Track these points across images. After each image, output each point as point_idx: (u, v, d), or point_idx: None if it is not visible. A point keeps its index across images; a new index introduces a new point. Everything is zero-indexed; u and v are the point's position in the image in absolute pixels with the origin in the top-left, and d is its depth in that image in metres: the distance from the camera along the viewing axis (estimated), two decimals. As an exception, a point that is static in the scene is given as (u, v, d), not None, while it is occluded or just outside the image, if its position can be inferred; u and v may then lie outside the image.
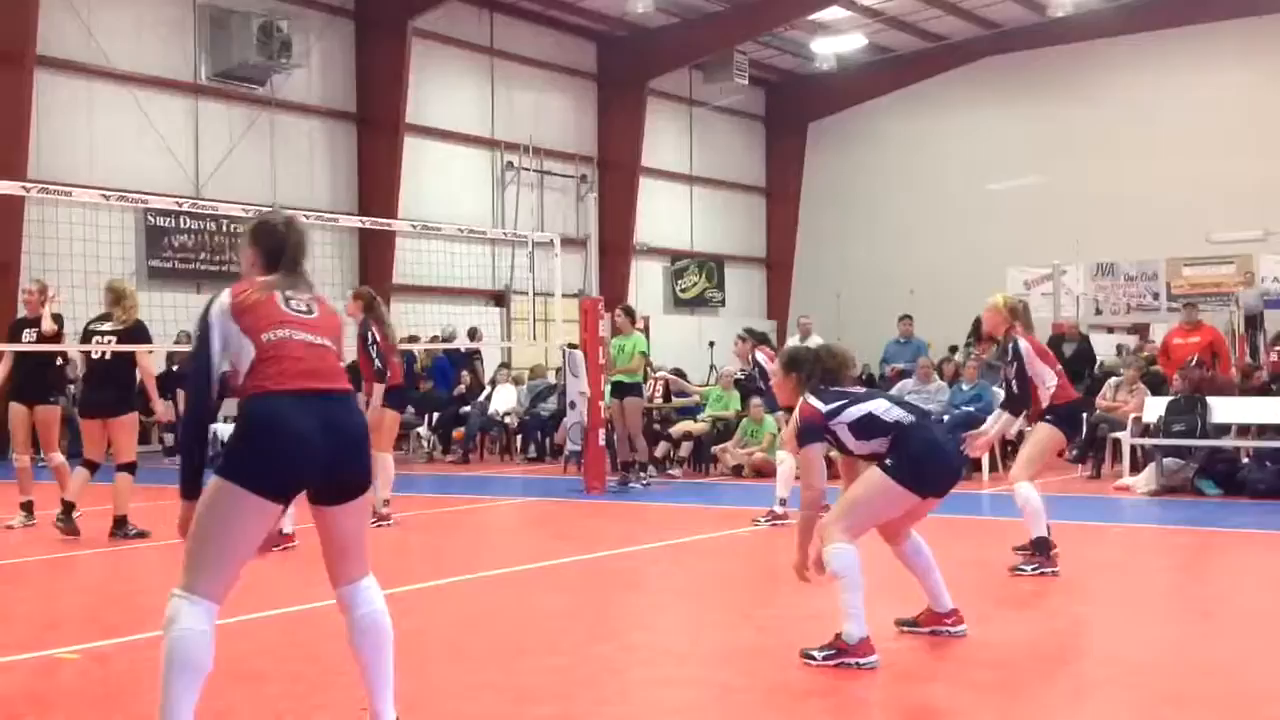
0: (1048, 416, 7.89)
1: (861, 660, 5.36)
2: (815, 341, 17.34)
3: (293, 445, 3.85)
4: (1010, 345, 7.91)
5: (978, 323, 17.24)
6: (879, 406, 5.59)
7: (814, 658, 5.44)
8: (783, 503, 10.02)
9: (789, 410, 6.06)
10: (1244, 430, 12.98)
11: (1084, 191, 25.58)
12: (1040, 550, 7.65)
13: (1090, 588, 7.69)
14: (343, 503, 4.04)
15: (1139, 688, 5.19)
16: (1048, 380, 7.86)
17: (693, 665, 5.75)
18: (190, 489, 3.92)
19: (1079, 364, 15.61)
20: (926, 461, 5.56)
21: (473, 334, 20.28)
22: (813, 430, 5.56)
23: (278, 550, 8.49)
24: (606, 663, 5.75)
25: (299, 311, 4.07)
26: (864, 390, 5.88)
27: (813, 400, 5.59)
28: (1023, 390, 7.90)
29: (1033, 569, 7.59)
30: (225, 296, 4.04)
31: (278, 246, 4.24)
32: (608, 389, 13.44)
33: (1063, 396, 7.92)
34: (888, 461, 5.51)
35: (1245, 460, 12.39)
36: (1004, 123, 27.25)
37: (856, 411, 5.55)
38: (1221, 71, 24.88)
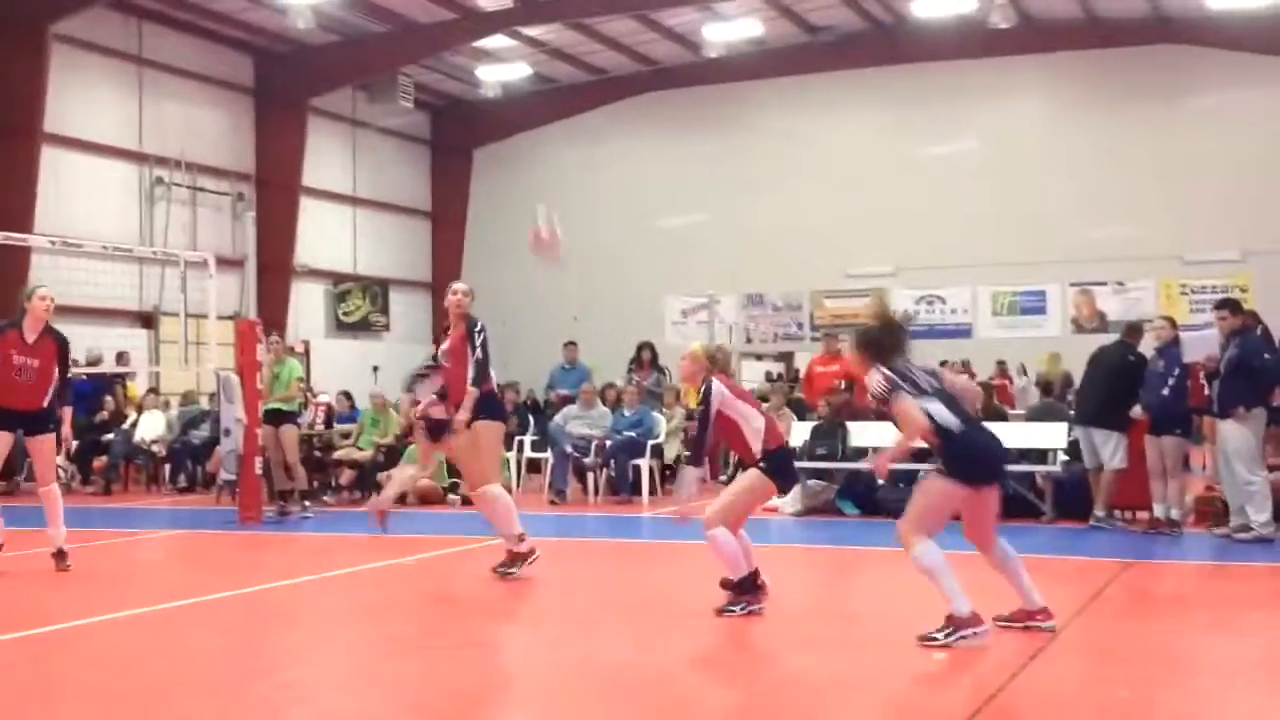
0: (761, 464, 7.34)
1: (976, 630, 6.17)
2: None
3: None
4: (704, 387, 7.46)
5: (640, 349, 17.79)
6: (936, 409, 6.33)
7: (936, 639, 6.15)
8: (521, 538, 8.91)
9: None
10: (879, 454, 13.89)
11: (737, 225, 26.78)
12: (744, 589, 7.33)
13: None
14: None
15: (803, 701, 5.44)
16: (753, 420, 7.37)
17: (355, 701, 5.63)
18: None
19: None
20: (975, 459, 6.37)
21: (120, 357, 19.16)
22: (893, 387, 6.31)
23: None
24: (262, 703, 5.53)
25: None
26: (927, 381, 6.52)
27: (886, 372, 6.37)
28: (701, 437, 7.54)
29: (740, 608, 7.27)
30: None
31: None
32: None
33: (773, 441, 7.43)
34: (940, 465, 6.38)
35: (881, 482, 13.25)
36: (663, 156, 28.19)
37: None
38: (862, 113, 26.63)
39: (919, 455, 7.30)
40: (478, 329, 8.87)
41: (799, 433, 13.79)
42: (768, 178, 26.87)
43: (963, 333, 24.46)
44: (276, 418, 13.09)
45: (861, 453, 13.63)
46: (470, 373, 8.68)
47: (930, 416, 6.25)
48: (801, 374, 18.70)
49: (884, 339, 6.55)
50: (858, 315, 24.25)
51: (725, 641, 6.95)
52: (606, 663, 6.15)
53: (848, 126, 26.69)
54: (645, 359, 17.52)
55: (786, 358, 24.75)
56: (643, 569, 10.09)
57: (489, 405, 8.81)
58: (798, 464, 13.18)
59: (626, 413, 14.92)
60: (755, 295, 26.17)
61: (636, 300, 25.85)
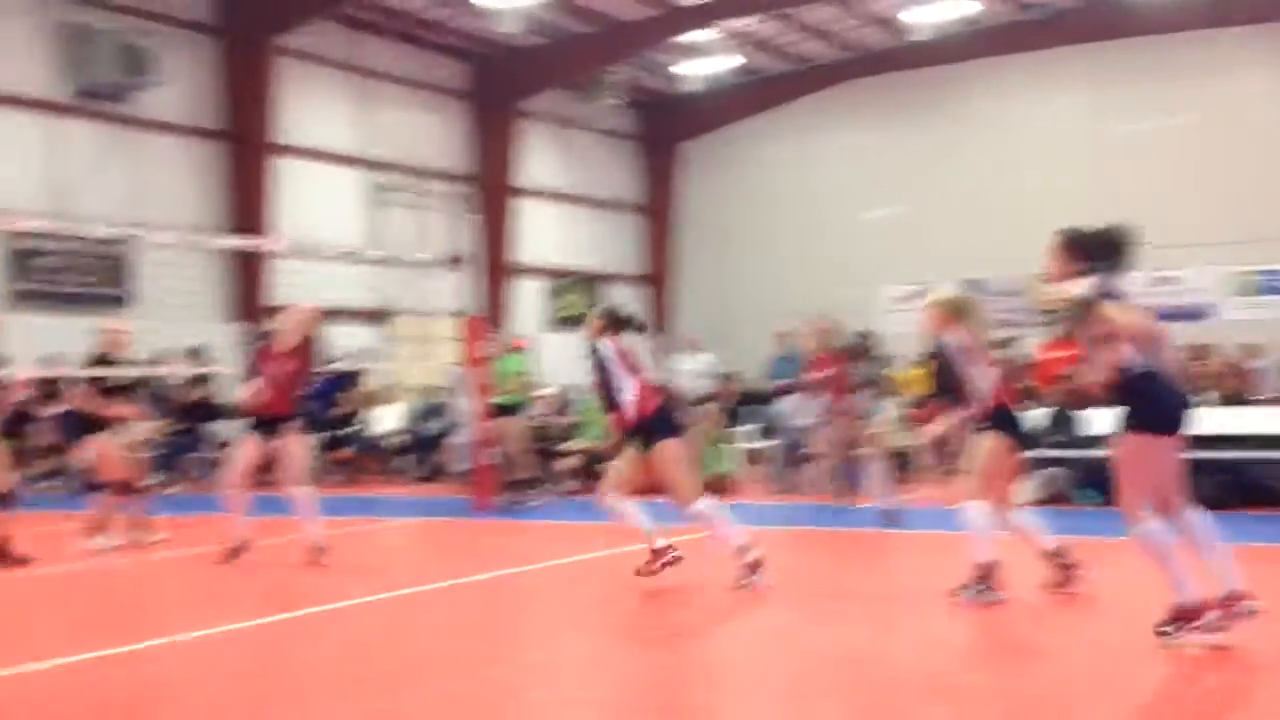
0: (989, 422, 7.27)
1: (1205, 618, 5.61)
2: (705, 358, 17.53)
3: None
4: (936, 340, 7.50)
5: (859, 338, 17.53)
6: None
7: (1167, 632, 5.65)
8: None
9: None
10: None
11: (952, 210, 26.20)
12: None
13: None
14: None
15: (1019, 690, 5.28)
16: (978, 379, 7.32)
17: (594, 686, 5.71)
18: None
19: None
20: (1160, 404, 5.71)
21: (360, 355, 20.00)
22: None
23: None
24: (505, 685, 5.66)
25: None
26: None
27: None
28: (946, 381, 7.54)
29: (977, 592, 7.09)
30: None
31: None
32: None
33: (997, 398, 7.33)
34: (1129, 421, 5.68)
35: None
36: (869, 144, 27.79)
37: None
38: (1077, 90, 25.70)
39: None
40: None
41: (1030, 420, 13.39)
42: (981, 161, 26.20)
43: (1200, 314, 23.45)
44: (500, 411, 13.50)
45: (1091, 441, 13.16)
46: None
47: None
48: (1027, 360, 18.12)
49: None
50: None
51: (962, 629, 6.80)
52: (847, 652, 6.09)
53: (1064, 105, 25.82)
54: (863, 347, 17.26)
55: (1008, 343, 24.03)
56: (869, 557, 9.96)
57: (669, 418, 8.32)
58: (1032, 454, 12.95)
59: (846, 402, 14.71)
60: (976, 281, 25.52)
61: (851, 289, 25.55)
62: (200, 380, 18.42)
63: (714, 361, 17.69)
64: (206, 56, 21.77)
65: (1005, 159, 25.86)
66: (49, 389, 17.29)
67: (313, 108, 23.28)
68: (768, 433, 15.25)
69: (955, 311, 7.53)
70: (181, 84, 21.01)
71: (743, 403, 17.18)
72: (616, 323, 8.24)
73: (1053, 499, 12.66)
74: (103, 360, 10.55)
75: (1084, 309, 5.70)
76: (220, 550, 9.18)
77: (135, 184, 20.42)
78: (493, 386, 13.40)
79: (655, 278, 30.93)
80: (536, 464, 14.19)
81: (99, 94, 20.00)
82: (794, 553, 10.45)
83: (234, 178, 21.87)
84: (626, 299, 30.29)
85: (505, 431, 13.52)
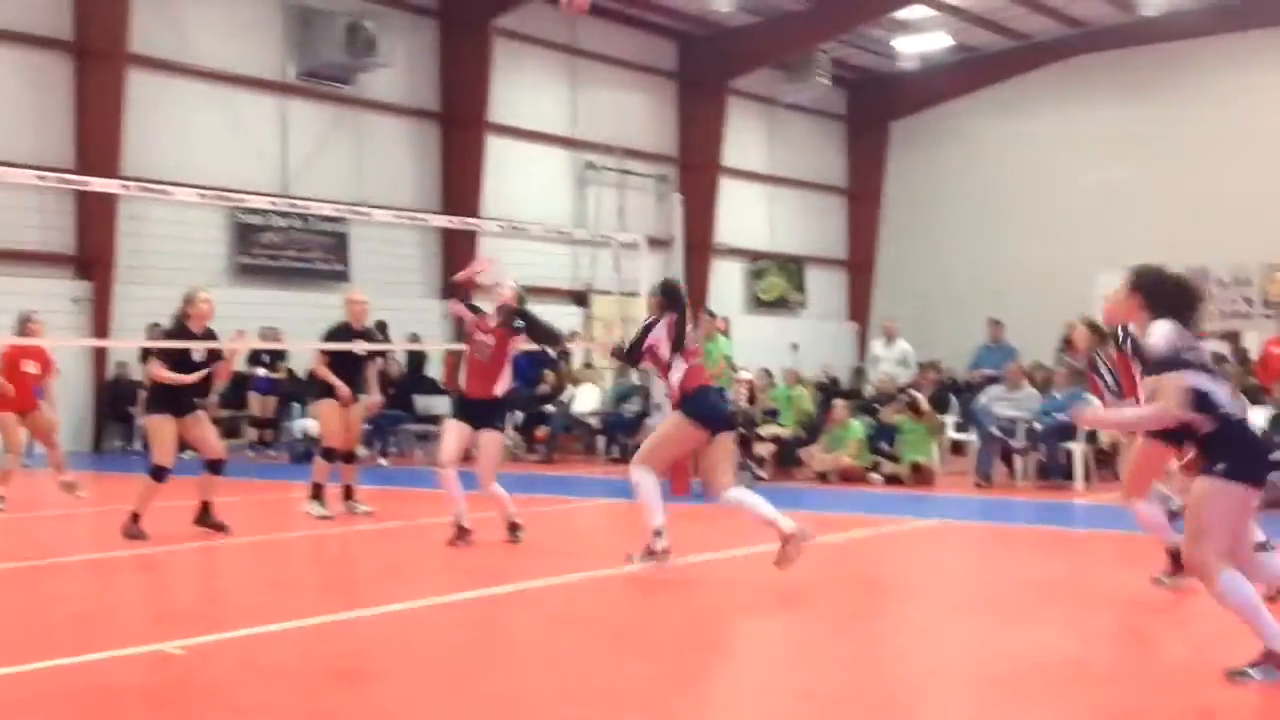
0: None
1: None
2: (901, 346, 17.19)
3: None
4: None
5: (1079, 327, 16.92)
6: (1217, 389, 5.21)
7: (1247, 673, 5.13)
8: (658, 533, 8.31)
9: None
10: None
11: (1175, 194, 25.07)
12: None
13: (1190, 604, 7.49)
14: None
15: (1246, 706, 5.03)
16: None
17: (791, 676, 5.67)
18: None
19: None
20: (1255, 451, 5.27)
21: (570, 336, 20.28)
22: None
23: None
24: (702, 669, 5.69)
25: None
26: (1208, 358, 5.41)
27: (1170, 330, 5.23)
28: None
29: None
30: None
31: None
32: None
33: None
34: (1219, 466, 5.14)
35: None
36: (1092, 123, 26.77)
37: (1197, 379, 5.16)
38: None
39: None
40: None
41: (1254, 419, 12.70)
42: (1208, 142, 24.95)
43: None
44: None
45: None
46: None
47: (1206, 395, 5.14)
48: (1254, 355, 17.26)
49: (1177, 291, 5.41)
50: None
51: (1170, 638, 6.50)
52: (1047, 656, 5.89)
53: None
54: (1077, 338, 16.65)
55: (1232, 337, 22.89)
56: (1077, 558, 9.60)
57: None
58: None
59: (1057, 394, 14.27)
60: (1197, 269, 24.35)
61: (1064, 276, 24.65)
62: (414, 357, 19.00)
63: (909, 350, 17.33)
64: (426, 38, 22.43)
65: (1238, 140, 24.57)
66: (267, 359, 18.10)
67: (525, 88, 23.73)
68: (965, 425, 14.87)
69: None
70: (402, 65, 21.70)
71: (944, 392, 16.79)
72: (674, 300, 8.19)
73: (1273, 504, 11.96)
74: (346, 330, 10.81)
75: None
76: (449, 532, 9.27)
77: (356, 163, 21.21)
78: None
79: (856, 262, 30.52)
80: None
81: (324, 75, 20.82)
82: (1001, 549, 10.17)
83: (448, 157, 22.49)
84: (827, 282, 30.02)
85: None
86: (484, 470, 9.19)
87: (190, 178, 17.26)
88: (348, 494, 10.93)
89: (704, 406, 7.99)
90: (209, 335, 9.80)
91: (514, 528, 9.33)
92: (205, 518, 9.71)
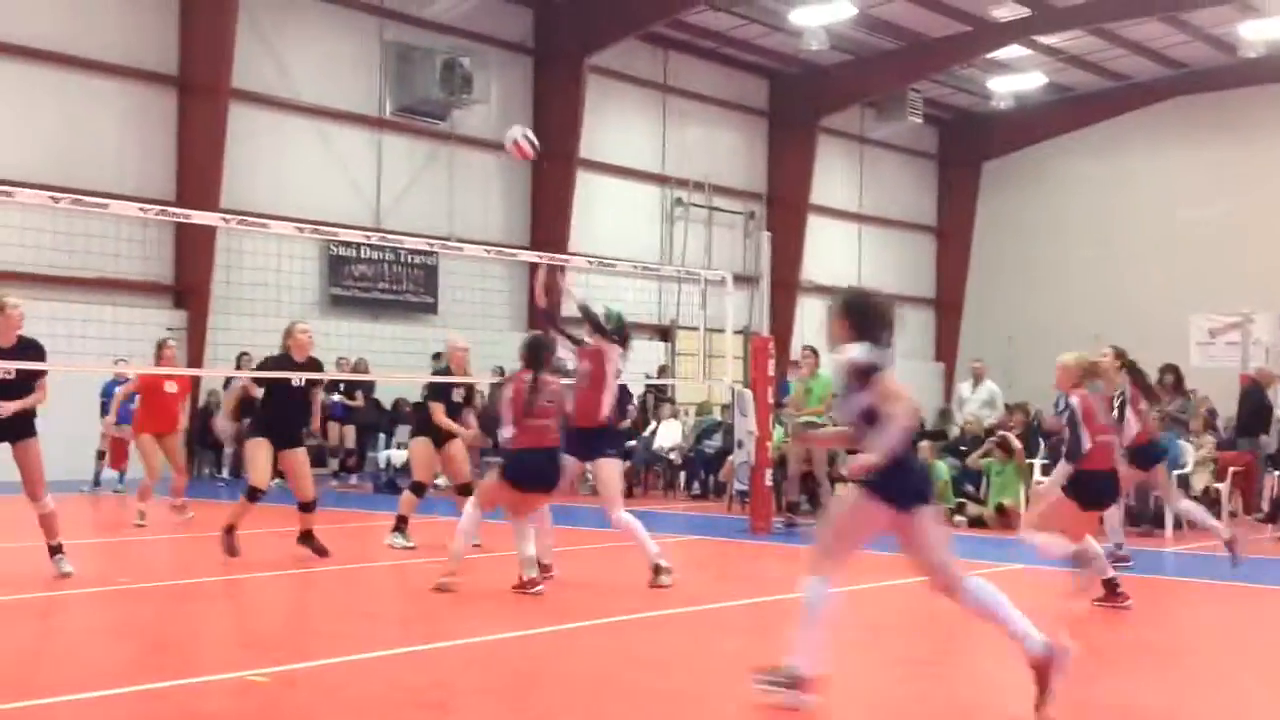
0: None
1: None
2: (988, 388, 16.96)
3: None
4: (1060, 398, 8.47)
5: (1163, 371, 16.61)
6: None
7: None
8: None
9: None
10: None
11: (1272, 236, 24.54)
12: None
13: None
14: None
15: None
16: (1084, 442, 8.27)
17: (855, 715, 5.62)
18: None
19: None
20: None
21: (660, 371, 20.33)
22: None
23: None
24: (780, 714, 5.65)
25: None
26: None
27: None
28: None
29: None
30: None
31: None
32: (779, 429, 13.37)
33: (1087, 462, 8.28)
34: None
35: None
36: (1189, 164, 26.34)
37: None
38: None
39: None
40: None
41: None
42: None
43: None
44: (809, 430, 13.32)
45: None
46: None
47: None
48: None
49: None
50: None
51: (1263, 694, 6.33)
52: (1138, 706, 5.77)
53: None
54: (1169, 382, 16.33)
55: (1332, 384, 22.24)
56: (1176, 606, 9.38)
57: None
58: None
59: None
60: (1294, 313, 23.75)
61: (1159, 319, 24.19)
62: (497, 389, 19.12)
63: (996, 391, 17.09)
64: (520, 75, 22.74)
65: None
66: (342, 387, 18.21)
67: (616, 123, 23.93)
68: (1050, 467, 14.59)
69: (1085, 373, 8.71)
70: (496, 101, 22.00)
71: (1032, 434, 16.52)
72: (531, 359, 8.69)
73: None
74: (446, 374, 11.13)
75: None
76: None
77: (447, 197, 21.52)
78: (796, 405, 13.41)
79: (944, 302, 30.25)
80: (829, 488, 14.04)
81: (420, 111, 21.17)
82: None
83: (539, 192, 22.73)
84: (914, 322, 29.76)
85: (810, 453, 13.39)
86: (609, 500, 9.09)
87: (286, 210, 17.64)
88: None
89: (518, 470, 8.45)
90: (311, 365, 10.02)
91: (658, 570, 9.01)
92: (308, 540, 9.96)
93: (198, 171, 18.54)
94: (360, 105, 20.82)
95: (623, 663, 6.68)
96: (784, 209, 26.42)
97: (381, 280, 20.74)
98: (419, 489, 10.83)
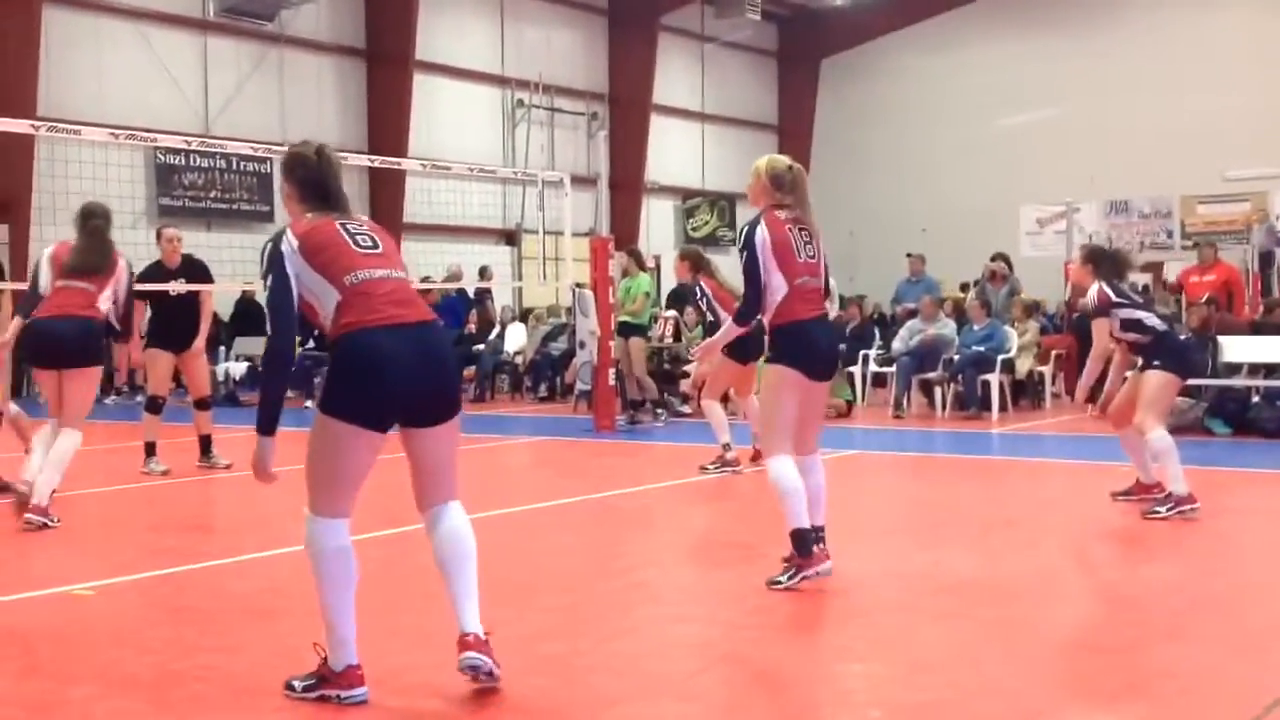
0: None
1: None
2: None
3: (391, 377, 4.04)
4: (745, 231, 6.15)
5: (993, 259, 17.16)
6: (1146, 316, 7.63)
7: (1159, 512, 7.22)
8: (727, 446, 9.93)
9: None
10: (1255, 369, 12.94)
11: (1099, 127, 25.40)
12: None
13: (1100, 523, 7.72)
14: (437, 425, 4.24)
15: (1139, 623, 5.23)
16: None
17: (701, 602, 5.81)
18: (268, 425, 4.14)
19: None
20: (1186, 353, 7.91)
21: (483, 273, 20.26)
22: (1102, 310, 7.61)
23: None
24: (614, 600, 5.81)
25: (366, 248, 4.17)
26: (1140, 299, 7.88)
27: (1106, 288, 7.62)
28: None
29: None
30: (291, 238, 4.12)
31: (315, 178, 4.30)
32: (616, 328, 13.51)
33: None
34: (1156, 363, 7.54)
35: (1255, 399, 12.37)
36: (1019, 58, 26.97)
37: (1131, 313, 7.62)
38: (1241, 6, 24.54)
39: None
40: None
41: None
42: (1132, 75, 25.28)
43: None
44: (625, 331, 13.53)
45: (1235, 368, 12.75)
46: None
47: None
48: (1171, 285, 17.63)
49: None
50: (1234, 222, 22.51)
51: (1071, 560, 6.72)
52: (951, 578, 6.07)
53: (1225, 14, 24.66)
54: (998, 271, 16.93)
55: (1154, 268, 23.30)
56: (988, 485, 9.84)
57: None
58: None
59: (975, 327, 14.50)
60: (1119, 202, 24.71)
61: (988, 211, 24.95)
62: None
63: (834, 285, 17.44)
64: (350, -26, 22.06)
65: (1158, 75, 24.90)
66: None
67: (452, 24, 23.47)
68: (890, 359, 15.08)
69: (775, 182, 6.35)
70: (325, 2, 21.35)
71: (869, 326, 16.99)
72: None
73: (1185, 428, 12.30)
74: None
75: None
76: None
77: (279, 102, 20.91)
78: (618, 305, 13.48)
79: (788, 198, 30.59)
80: (659, 386, 14.27)
81: (246, 12, 20.44)
82: (914, 478, 10.40)
83: (373, 96, 22.24)
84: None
85: (629, 352, 13.60)
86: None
87: (108, 118, 16.97)
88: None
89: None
90: (185, 270, 10.09)
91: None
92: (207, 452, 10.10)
93: (9, 78, 17.66)
94: (183, 7, 20.02)
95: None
96: (626, 109, 26.33)
97: (213, 188, 20.16)
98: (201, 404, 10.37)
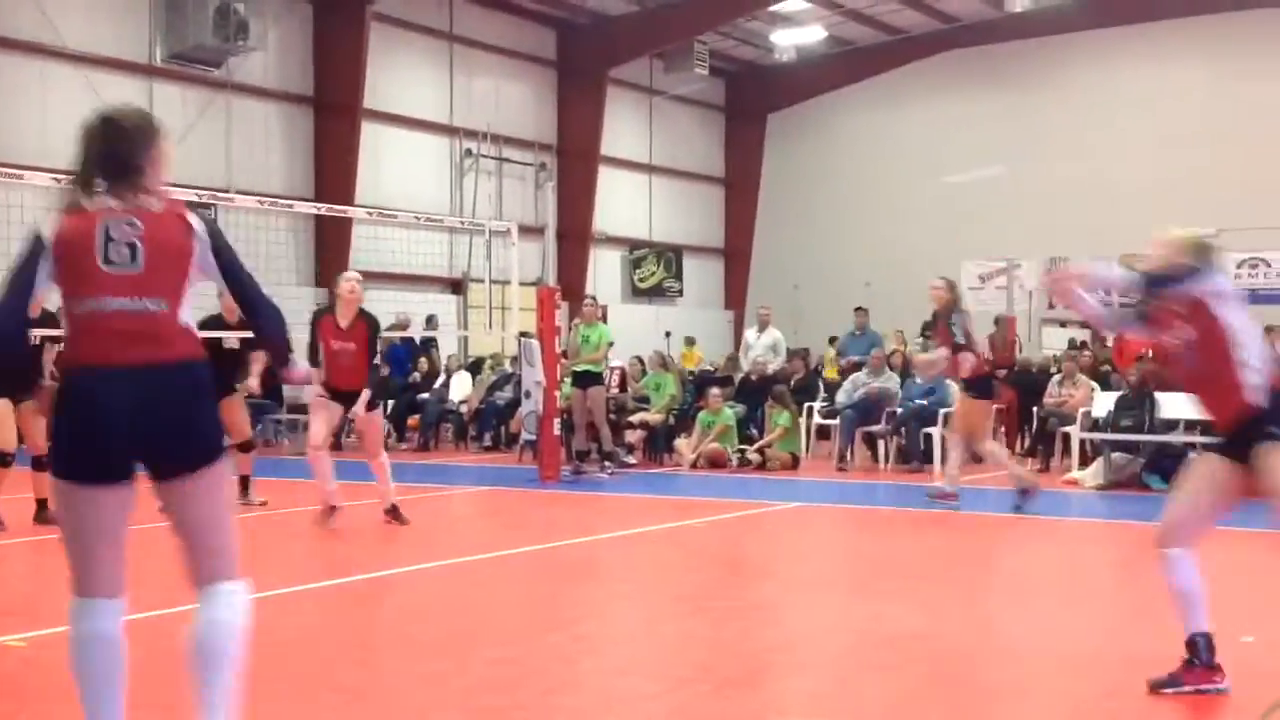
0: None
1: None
2: (772, 334, 17.41)
3: (100, 427, 3.44)
4: None
5: (935, 314, 17.34)
6: None
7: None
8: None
9: None
10: (1191, 425, 13.15)
11: (1039, 186, 25.81)
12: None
13: (1037, 581, 7.80)
14: (179, 477, 3.54)
15: (1080, 680, 5.27)
16: None
17: (645, 656, 5.80)
18: None
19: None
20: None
21: (430, 321, 20.20)
22: None
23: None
24: (557, 652, 5.77)
25: (117, 264, 3.50)
26: None
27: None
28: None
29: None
30: (50, 231, 3.59)
31: (94, 153, 3.65)
32: (567, 379, 13.50)
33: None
34: None
35: (1192, 455, 12.55)
36: (962, 117, 27.41)
37: None
38: (1180, 69, 25.14)
39: None
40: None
41: (1103, 403, 13.22)
42: (1073, 136, 25.78)
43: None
44: (585, 380, 13.46)
45: (1171, 425, 12.95)
46: None
47: None
48: (1109, 342, 17.91)
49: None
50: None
51: (1010, 613, 6.77)
52: (892, 630, 6.10)
53: (1164, 79, 25.28)
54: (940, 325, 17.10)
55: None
56: (931, 537, 9.91)
57: None
58: (1102, 435, 12.74)
59: (919, 380, 14.64)
60: (1059, 259, 25.08)
61: (931, 265, 25.17)
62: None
63: (780, 337, 17.58)
64: (299, 22, 22.10)
65: (1100, 133, 25.45)
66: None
67: (402, 74, 23.52)
68: (835, 412, 15.18)
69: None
70: (274, 49, 21.34)
71: (813, 379, 17.11)
72: None
73: (1123, 484, 12.49)
74: (219, 322, 10.64)
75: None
76: (316, 513, 9.37)
77: (225, 148, 20.82)
78: (572, 354, 13.49)
79: (733, 251, 30.88)
80: (609, 436, 14.24)
81: (194, 58, 20.36)
82: (857, 530, 10.45)
83: (321, 143, 22.20)
84: (704, 272, 30.33)
85: (584, 401, 13.49)
86: (373, 445, 9.71)
87: (51, 162, 16.76)
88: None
89: None
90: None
91: (395, 511, 9.58)
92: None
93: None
94: (130, 53, 19.91)
95: (408, 614, 6.70)
96: (575, 160, 26.46)
97: (158, 234, 19.97)
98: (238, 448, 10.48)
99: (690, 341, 23.11)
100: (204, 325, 9.77)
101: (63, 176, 12.03)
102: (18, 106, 18.33)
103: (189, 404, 3.56)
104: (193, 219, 3.65)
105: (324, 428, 9.35)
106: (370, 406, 9.49)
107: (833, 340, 19.92)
